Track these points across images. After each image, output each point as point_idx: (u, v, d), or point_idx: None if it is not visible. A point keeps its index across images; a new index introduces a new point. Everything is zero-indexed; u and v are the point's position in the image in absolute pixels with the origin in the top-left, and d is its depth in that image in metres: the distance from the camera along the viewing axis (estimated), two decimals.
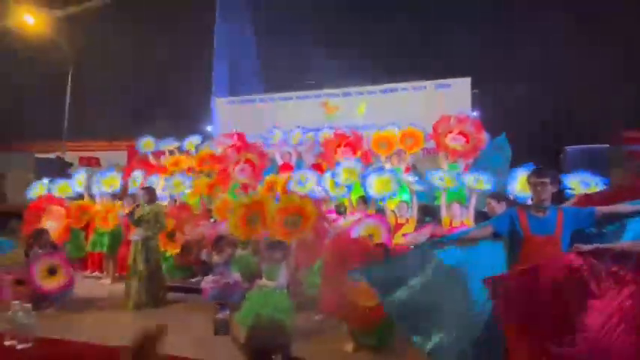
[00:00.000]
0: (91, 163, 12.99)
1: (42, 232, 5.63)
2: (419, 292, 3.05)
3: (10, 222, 9.97)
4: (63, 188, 7.53)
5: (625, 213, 2.76)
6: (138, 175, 7.87)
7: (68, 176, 8.44)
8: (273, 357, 1.73)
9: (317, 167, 7.72)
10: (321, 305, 4.19)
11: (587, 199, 3.36)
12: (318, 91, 11.70)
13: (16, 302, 1.84)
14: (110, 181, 7.44)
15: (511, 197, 5.11)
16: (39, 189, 7.57)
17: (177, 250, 6.44)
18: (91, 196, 7.52)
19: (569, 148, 7.47)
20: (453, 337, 2.90)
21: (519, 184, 5.29)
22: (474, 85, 10.48)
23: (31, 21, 12.94)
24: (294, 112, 11.38)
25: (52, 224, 6.60)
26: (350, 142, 7.81)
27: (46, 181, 7.69)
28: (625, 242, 2.51)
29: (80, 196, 7.53)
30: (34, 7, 13.25)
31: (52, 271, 5.16)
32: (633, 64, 12.27)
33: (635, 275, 2.29)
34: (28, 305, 1.83)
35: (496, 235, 3.02)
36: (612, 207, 2.82)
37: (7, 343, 1.79)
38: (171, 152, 8.95)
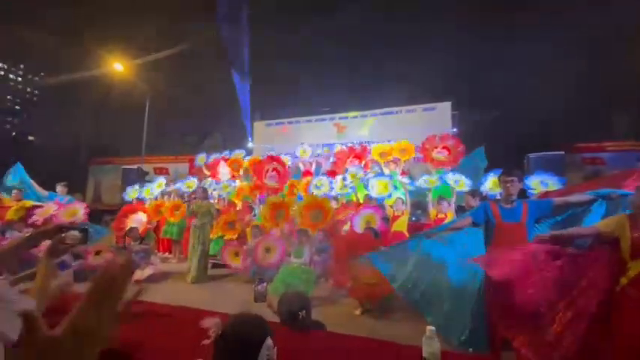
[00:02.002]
0: (162, 172, 13.31)
1: (133, 229, 5.88)
2: (416, 272, 3.01)
3: (103, 216, 10.34)
4: (148, 191, 7.79)
5: (575, 202, 2.66)
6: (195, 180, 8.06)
7: (147, 182, 8.75)
8: (299, 314, 1.74)
9: (331, 173, 7.72)
10: (333, 281, 4.16)
11: (547, 195, 3.26)
12: (332, 114, 11.72)
13: None
14: (190, 184, 7.70)
15: (484, 194, 4.98)
16: (133, 192, 7.85)
17: (235, 236, 6.23)
18: (163, 196, 7.73)
19: (531, 155, 7.22)
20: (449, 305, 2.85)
21: (490, 184, 5.16)
22: (453, 108, 10.33)
23: (119, 67, 13.45)
24: (313, 130, 11.43)
25: (136, 224, 6.83)
26: (357, 154, 7.81)
27: (137, 186, 7.99)
28: (572, 228, 2.41)
29: (156, 197, 7.76)
30: (121, 56, 13.79)
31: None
32: (586, 89, 11.93)
33: (589, 252, 2.20)
34: None
35: (475, 224, 2.96)
36: (565, 198, 2.73)
37: None
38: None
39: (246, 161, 8.58)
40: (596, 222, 2.41)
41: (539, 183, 4.77)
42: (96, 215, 9.99)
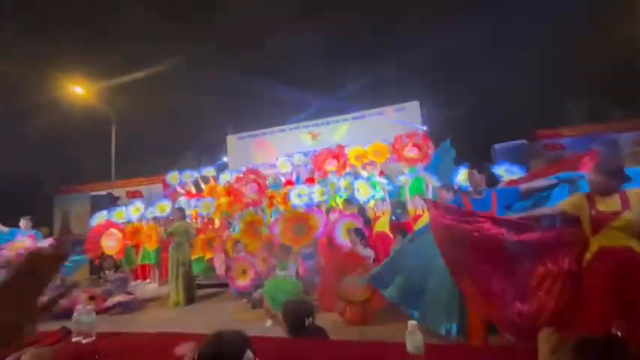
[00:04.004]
0: (136, 196, 12.82)
1: (107, 258, 5.65)
2: (408, 275, 3.19)
3: (74, 248, 9.80)
4: (119, 214, 7.49)
5: (539, 187, 2.82)
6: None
7: (118, 206, 8.41)
8: (306, 320, 1.76)
9: (311, 180, 7.71)
10: (321, 306, 3.99)
11: (513, 183, 3.44)
12: (305, 122, 11.78)
13: (80, 306, 1.80)
14: (163, 207, 7.43)
15: (456, 187, 5.16)
16: (99, 219, 7.49)
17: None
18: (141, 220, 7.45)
19: (497, 146, 7.61)
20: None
21: (461, 177, 5.35)
22: (422, 105, 10.70)
23: (80, 91, 12.92)
24: (288, 140, 11.44)
25: (111, 244, 6.54)
26: (335, 155, 7.88)
27: (105, 212, 7.63)
28: (537, 209, 2.57)
29: (130, 222, 7.44)
30: (83, 79, 13.23)
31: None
32: (544, 81, 12.74)
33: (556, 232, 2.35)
34: (90, 307, 1.79)
35: None
36: (530, 184, 2.89)
37: (74, 339, 1.75)
38: (204, 179, 8.88)
39: (222, 181, 8.42)
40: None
41: (505, 171, 5.01)
42: (66, 247, 9.45)
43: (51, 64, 13.85)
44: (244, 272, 4.96)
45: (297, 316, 1.81)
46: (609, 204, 2.07)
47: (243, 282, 4.90)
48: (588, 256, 2.12)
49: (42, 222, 8.20)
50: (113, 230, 6.74)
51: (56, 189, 14.78)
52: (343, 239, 4.96)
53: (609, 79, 11.64)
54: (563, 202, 2.33)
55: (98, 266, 5.68)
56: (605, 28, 11.26)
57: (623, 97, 11.35)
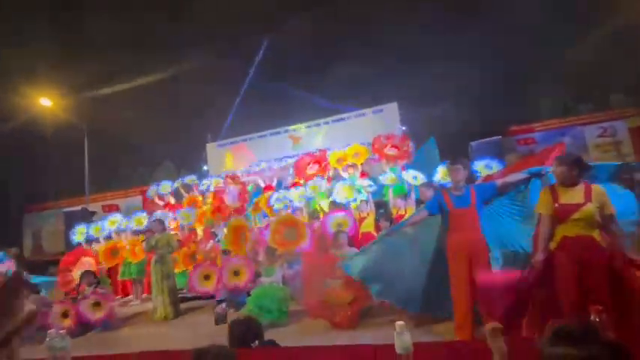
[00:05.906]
0: (112, 209, 12.34)
1: (87, 273, 5.40)
2: (386, 271, 3.25)
3: (48, 268, 9.30)
4: (97, 228, 7.18)
5: (514, 182, 2.93)
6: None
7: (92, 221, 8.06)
8: (251, 344, 1.70)
9: (295, 185, 7.67)
10: (310, 315, 3.89)
11: (490, 178, 3.55)
12: (285, 127, 11.71)
13: (52, 330, 1.69)
14: (140, 220, 7.14)
15: (437, 185, 5.27)
16: (79, 233, 7.15)
17: None
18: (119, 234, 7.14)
19: (473, 143, 7.87)
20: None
21: (441, 174, 5.47)
22: (400, 107, 10.87)
23: (47, 103, 12.32)
24: (269, 145, 11.35)
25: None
26: (316, 160, 7.90)
27: (83, 225, 7.30)
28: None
29: (109, 237, 7.10)
30: (49, 91, 12.63)
31: (96, 304, 4.90)
32: (513, 80, 13.33)
33: None
34: (62, 331, 1.68)
35: (431, 215, 3.14)
36: (505, 178, 2.99)
37: None
38: (186, 187, 8.61)
39: (203, 187, 8.24)
40: (535, 197, 2.68)
41: (484, 167, 5.17)
42: (39, 267, 8.97)
43: (18, 75, 13.21)
44: (237, 273, 4.75)
45: (242, 340, 1.72)
46: (573, 195, 2.15)
47: (239, 282, 4.68)
48: (553, 245, 2.21)
49: (10, 242, 7.76)
50: (85, 259, 6.43)
51: (26, 206, 14.03)
52: (332, 230, 4.92)
53: (577, 77, 12.31)
54: (538, 206, 2.39)
55: (76, 289, 5.42)
56: (575, 30, 11.91)
57: (588, 94, 12.07)
